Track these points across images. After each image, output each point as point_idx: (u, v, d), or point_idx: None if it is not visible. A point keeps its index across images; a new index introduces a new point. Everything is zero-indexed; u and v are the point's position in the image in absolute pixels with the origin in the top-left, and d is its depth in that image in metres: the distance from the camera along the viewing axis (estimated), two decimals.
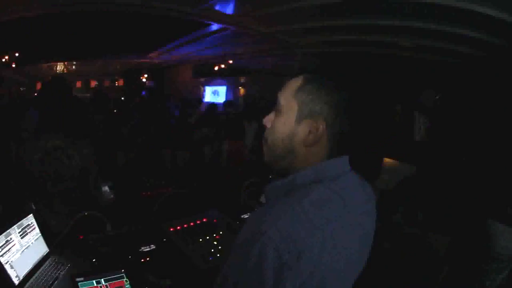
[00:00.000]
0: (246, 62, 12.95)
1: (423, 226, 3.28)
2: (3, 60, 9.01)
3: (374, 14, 5.51)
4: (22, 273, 1.72)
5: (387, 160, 4.16)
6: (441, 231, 3.15)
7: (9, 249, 1.70)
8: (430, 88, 5.54)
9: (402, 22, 5.44)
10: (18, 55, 9.59)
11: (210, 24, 7.50)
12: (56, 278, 1.76)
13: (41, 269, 1.84)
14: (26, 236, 1.85)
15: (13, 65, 9.98)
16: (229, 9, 5.99)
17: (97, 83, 16.09)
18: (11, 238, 1.74)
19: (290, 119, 1.07)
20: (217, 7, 5.74)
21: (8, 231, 1.73)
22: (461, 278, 2.95)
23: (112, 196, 2.72)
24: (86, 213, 2.19)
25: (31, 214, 1.91)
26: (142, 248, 1.90)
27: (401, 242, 3.20)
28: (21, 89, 13.80)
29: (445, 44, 5.87)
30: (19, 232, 1.80)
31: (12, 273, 1.65)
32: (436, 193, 3.43)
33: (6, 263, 1.65)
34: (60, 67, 14.40)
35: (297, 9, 5.06)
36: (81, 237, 2.09)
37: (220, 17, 6.06)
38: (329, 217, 0.97)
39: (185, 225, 2.17)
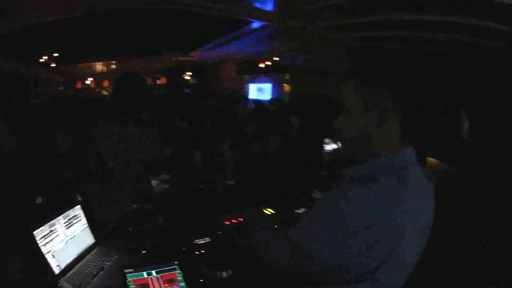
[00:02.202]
0: (291, 59, 12.73)
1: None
2: (42, 60, 9.17)
3: (416, 8, 5.27)
4: (64, 262, 1.64)
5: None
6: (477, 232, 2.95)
7: (52, 239, 1.61)
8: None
9: (442, 17, 5.19)
10: (58, 55, 9.76)
11: (251, 22, 7.42)
12: (102, 269, 1.67)
13: (85, 259, 1.74)
14: (72, 226, 1.75)
15: (52, 65, 10.17)
16: (269, 6, 5.86)
17: None
18: (55, 228, 1.64)
19: (359, 111, 1.13)
20: (257, 4, 5.62)
21: (52, 221, 1.64)
22: None
23: (164, 188, 2.65)
24: (136, 206, 2.12)
25: (78, 206, 1.81)
26: (196, 241, 1.79)
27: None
28: (59, 88, 13.91)
29: (487, 40, 5.56)
30: (64, 223, 1.71)
31: (53, 262, 1.58)
32: (477, 193, 3.12)
33: (48, 252, 1.57)
34: (100, 66, 14.29)
35: (335, 5, 4.84)
36: (130, 229, 2.00)
37: (260, 14, 5.92)
38: (399, 199, 1.03)
39: (240, 219, 2.05)
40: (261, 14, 5.94)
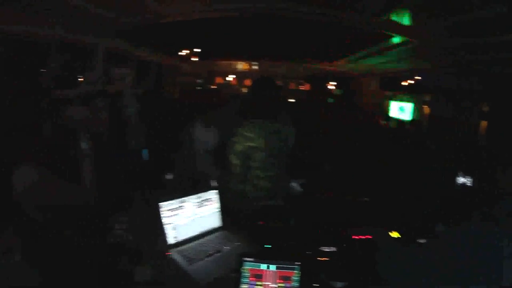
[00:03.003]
0: (433, 79, 11.56)
1: None
2: (183, 54, 9.96)
3: None
4: (182, 236, 1.66)
5: None
6: None
7: (178, 214, 1.64)
8: None
9: None
10: (200, 51, 10.51)
11: (393, 36, 6.97)
12: (219, 251, 1.65)
13: (205, 238, 1.74)
14: (203, 207, 1.74)
15: (193, 59, 10.99)
16: (407, 20, 5.39)
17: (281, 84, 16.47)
18: (185, 205, 1.66)
19: None
20: (395, 18, 5.22)
21: (184, 198, 1.67)
22: None
23: (300, 191, 2.57)
24: (272, 203, 2.09)
25: (215, 191, 1.79)
26: (323, 247, 1.74)
27: None
28: (198, 81, 14.15)
29: None
30: (196, 202, 1.71)
31: (171, 233, 1.61)
32: None
33: (170, 224, 1.61)
34: (242, 65, 14.54)
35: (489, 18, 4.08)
36: (262, 223, 1.93)
37: (399, 29, 5.52)
38: None
39: (368, 236, 1.92)
40: (401, 29, 5.49)
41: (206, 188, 1.78)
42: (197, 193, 1.71)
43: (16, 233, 1.34)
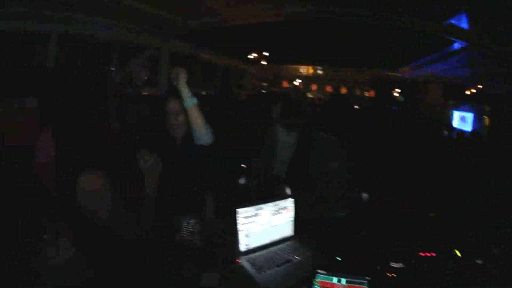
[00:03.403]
0: (496, 87, 10.87)
1: None
2: (252, 56, 10.06)
3: None
4: (254, 244, 1.61)
5: None
6: None
7: (253, 221, 1.59)
8: None
9: None
10: (268, 55, 10.54)
11: (455, 42, 6.54)
12: (289, 261, 1.59)
13: (276, 247, 1.68)
14: (278, 215, 1.68)
15: (262, 63, 11.06)
16: (464, 23, 4.97)
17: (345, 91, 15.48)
18: (261, 213, 1.61)
19: None
20: (453, 21, 4.85)
21: (261, 205, 1.61)
22: None
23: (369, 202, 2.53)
24: (343, 215, 2.03)
25: (291, 200, 1.73)
26: (392, 263, 1.68)
27: None
28: (263, 84, 14.30)
29: None
30: (272, 210, 1.66)
31: (243, 240, 1.57)
32: None
33: (244, 231, 1.57)
34: (305, 70, 14.73)
35: None
36: (332, 234, 1.87)
37: (461, 34, 5.10)
38: None
39: (432, 253, 1.84)
40: (462, 34, 5.08)
41: (284, 195, 1.73)
42: (275, 200, 1.65)
43: (72, 229, 1.32)
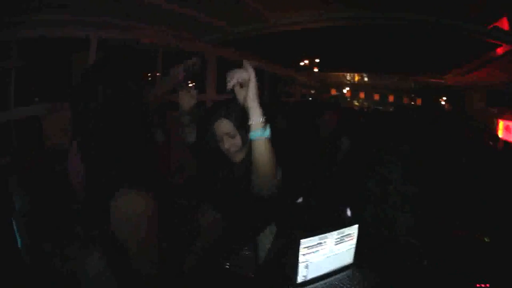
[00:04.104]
0: None
1: None
2: (303, 64, 9.92)
3: None
4: (312, 275, 1.40)
5: None
6: None
7: (316, 251, 1.36)
8: None
9: None
10: (319, 61, 10.36)
11: (499, 46, 6.20)
12: None
13: (333, 277, 1.47)
14: (341, 244, 1.44)
15: (311, 70, 10.89)
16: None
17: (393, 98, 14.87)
18: (325, 242, 1.38)
19: None
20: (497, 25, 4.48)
21: (326, 234, 1.38)
22: None
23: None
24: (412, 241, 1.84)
25: (357, 225, 1.49)
26: None
27: None
28: (311, 91, 13.58)
29: None
30: (336, 239, 1.42)
31: (302, 272, 1.36)
32: None
33: (304, 262, 1.35)
34: (351, 77, 13.94)
35: None
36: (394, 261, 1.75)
37: (505, 37, 4.69)
38: None
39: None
40: (505, 36, 4.65)
41: (353, 222, 1.51)
42: (340, 228, 1.40)
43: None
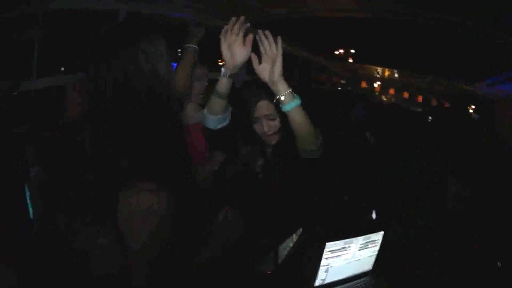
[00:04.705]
0: None
1: None
2: (338, 53, 9.77)
3: None
4: (330, 279, 1.34)
5: None
6: None
7: (338, 255, 1.29)
8: None
9: None
10: (354, 52, 10.19)
11: None
12: None
13: (351, 283, 1.41)
14: (364, 250, 1.36)
15: (350, 60, 10.71)
16: None
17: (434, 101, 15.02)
18: (349, 247, 1.30)
19: None
20: None
21: (351, 239, 1.29)
22: None
23: None
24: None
25: (382, 232, 1.39)
26: None
27: None
28: (342, 81, 13.27)
29: None
30: (360, 244, 1.33)
31: (321, 276, 1.29)
32: None
33: (325, 265, 1.27)
34: (382, 71, 13.44)
35: None
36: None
37: None
38: None
39: None
40: None
41: (379, 228, 1.41)
42: (367, 233, 1.31)
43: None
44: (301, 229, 1.43)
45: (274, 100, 1.27)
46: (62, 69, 3.14)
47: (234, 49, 1.31)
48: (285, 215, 1.48)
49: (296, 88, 1.38)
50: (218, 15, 3.75)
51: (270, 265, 1.31)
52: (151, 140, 0.91)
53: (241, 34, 1.30)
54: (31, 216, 1.87)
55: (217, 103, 1.48)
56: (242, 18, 1.31)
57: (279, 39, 1.25)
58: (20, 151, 2.19)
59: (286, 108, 1.27)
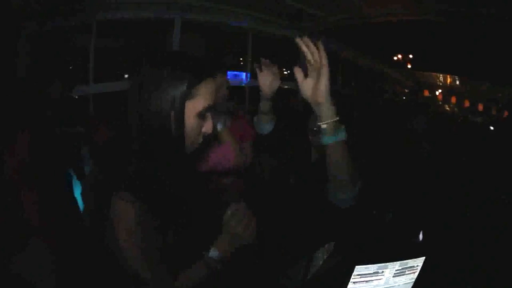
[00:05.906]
0: None
1: None
2: (396, 58, 9.20)
3: None
4: None
5: None
6: None
7: (368, 281, 1.10)
8: None
9: None
10: (412, 57, 9.57)
11: None
12: None
13: None
14: (400, 276, 1.16)
15: (408, 66, 10.06)
16: None
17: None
18: (383, 272, 1.10)
19: None
20: None
21: (386, 264, 1.09)
22: None
23: None
24: None
25: (423, 258, 1.15)
26: None
27: None
28: (405, 90, 12.49)
29: None
30: (396, 270, 1.13)
31: None
32: None
33: None
34: (445, 79, 12.69)
35: None
36: None
37: None
38: None
39: None
40: None
41: (419, 254, 1.20)
42: (406, 258, 1.11)
43: None
44: (333, 244, 1.28)
45: (315, 128, 1.15)
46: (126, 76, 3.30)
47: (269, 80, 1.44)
48: (313, 228, 1.34)
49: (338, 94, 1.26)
50: (275, 24, 3.73)
51: (296, 281, 1.22)
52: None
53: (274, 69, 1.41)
54: (81, 210, 1.94)
55: (263, 118, 1.59)
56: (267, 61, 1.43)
57: (320, 44, 0.95)
58: (75, 150, 2.27)
59: (326, 140, 1.02)
